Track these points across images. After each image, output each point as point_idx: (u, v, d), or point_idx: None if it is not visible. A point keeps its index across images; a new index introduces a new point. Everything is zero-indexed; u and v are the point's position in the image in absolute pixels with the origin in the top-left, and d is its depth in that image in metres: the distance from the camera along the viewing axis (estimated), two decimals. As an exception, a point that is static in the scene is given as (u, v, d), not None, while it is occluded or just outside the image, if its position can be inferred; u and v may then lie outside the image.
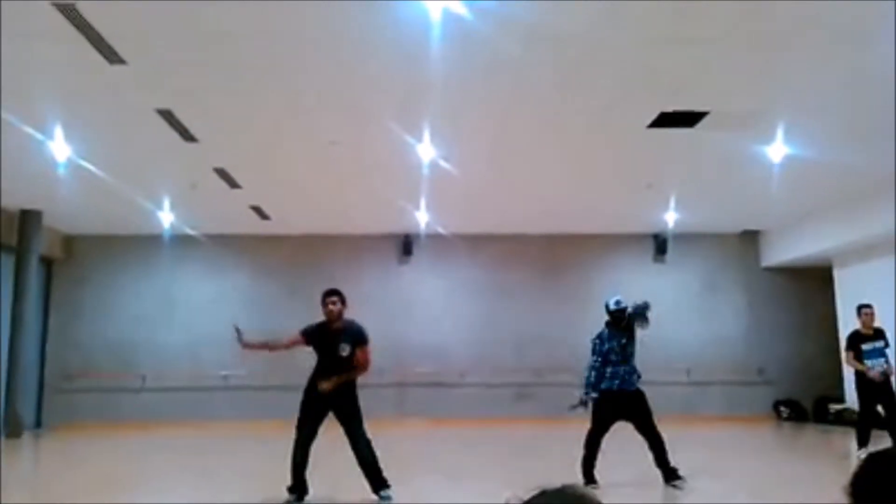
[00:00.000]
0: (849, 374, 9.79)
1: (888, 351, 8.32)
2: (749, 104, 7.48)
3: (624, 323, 6.55)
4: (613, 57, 6.39)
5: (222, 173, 9.77)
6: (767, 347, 13.91)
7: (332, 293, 5.73)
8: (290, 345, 5.98)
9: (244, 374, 13.13)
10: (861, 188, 10.64)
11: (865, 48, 6.22)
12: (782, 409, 13.65)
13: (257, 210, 11.95)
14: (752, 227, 13.99)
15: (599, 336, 6.70)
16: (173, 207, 11.69)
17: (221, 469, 8.15)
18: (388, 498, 5.52)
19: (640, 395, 6.54)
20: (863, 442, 8.15)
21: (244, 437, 11.37)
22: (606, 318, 6.70)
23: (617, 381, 6.48)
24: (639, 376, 6.60)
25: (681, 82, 6.95)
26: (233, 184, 10.25)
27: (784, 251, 13.53)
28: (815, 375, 13.57)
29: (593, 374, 6.58)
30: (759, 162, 9.25)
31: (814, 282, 13.84)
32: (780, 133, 8.26)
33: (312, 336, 5.80)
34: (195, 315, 13.60)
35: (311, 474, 5.70)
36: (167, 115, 7.59)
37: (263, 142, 8.63)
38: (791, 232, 13.20)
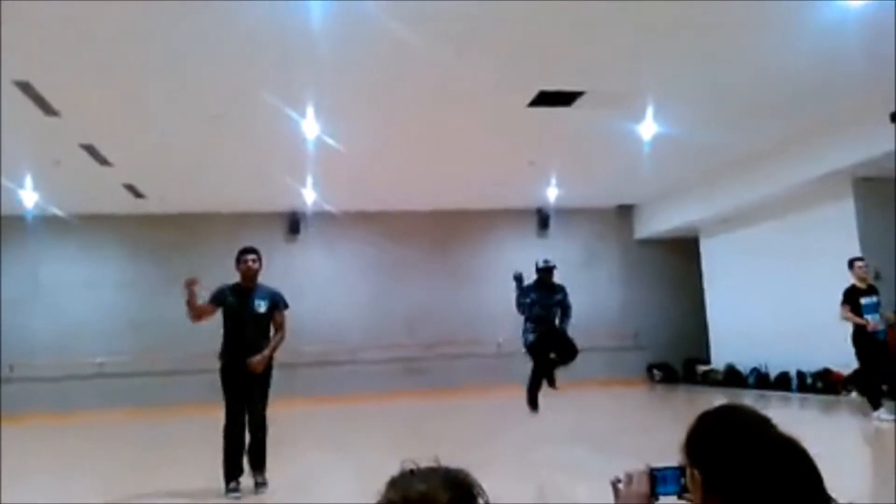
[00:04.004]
0: (835, 330, 8.99)
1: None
2: (621, 84, 7.85)
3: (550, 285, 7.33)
4: (494, 37, 6.52)
5: (90, 149, 9.20)
6: (641, 314, 14.76)
7: (249, 251, 5.46)
8: (201, 313, 5.31)
9: (124, 361, 12.56)
10: (722, 165, 11.45)
11: (729, 38, 6.70)
12: (655, 371, 14.57)
13: (131, 188, 11.35)
14: (627, 201, 14.75)
15: (527, 288, 7.29)
16: (37, 186, 10.90)
17: (92, 464, 7.78)
18: (264, 484, 5.28)
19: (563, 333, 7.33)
20: (876, 403, 7.69)
21: (120, 426, 10.91)
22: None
23: (541, 329, 7.19)
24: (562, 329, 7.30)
25: (558, 62, 7.19)
26: (102, 161, 9.67)
27: (655, 224, 14.37)
28: (684, 339, 14.55)
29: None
30: (631, 140, 9.74)
31: (682, 252, 14.78)
32: (649, 112, 8.74)
33: (223, 298, 5.36)
34: (67, 300, 12.83)
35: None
36: (25, 87, 7.06)
37: (135, 116, 8.20)
38: (661, 206, 14.03)
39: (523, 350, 7.43)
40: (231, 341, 5.39)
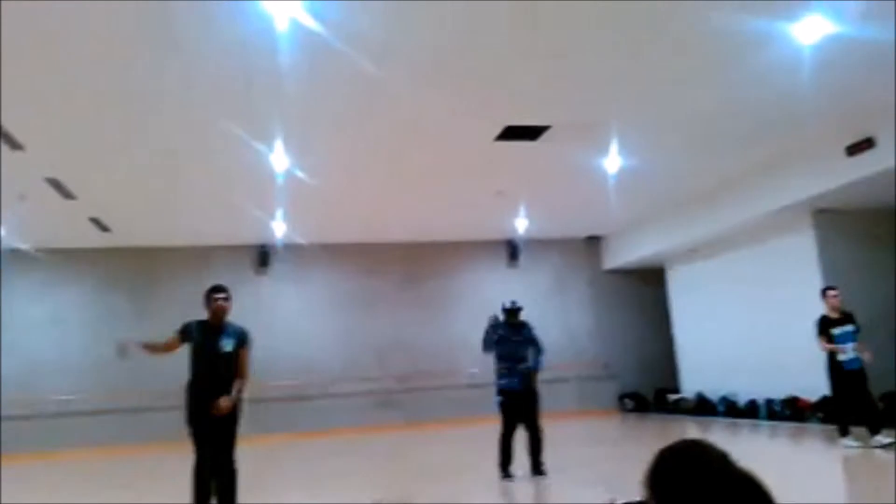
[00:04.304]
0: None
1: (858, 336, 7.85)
2: (586, 119, 8.00)
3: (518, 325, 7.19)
4: (461, 72, 6.63)
5: (55, 183, 9.09)
6: (611, 344, 14.87)
7: (220, 289, 5.45)
8: (167, 348, 5.40)
9: (89, 398, 12.26)
10: (686, 197, 11.68)
11: (691, 75, 6.90)
12: (627, 401, 14.63)
13: (96, 222, 11.21)
14: (595, 232, 14.94)
15: (493, 327, 7.21)
16: (0, 220, 10.70)
17: None
18: None
19: (533, 394, 7.05)
20: (844, 431, 7.69)
21: (88, 465, 10.61)
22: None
23: (515, 379, 6.99)
24: (529, 368, 7.08)
25: (524, 97, 7.33)
26: (67, 194, 9.56)
27: (623, 254, 14.55)
28: (655, 368, 14.68)
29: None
30: (597, 172, 9.90)
31: (650, 282, 14.98)
32: (614, 146, 8.91)
33: (190, 333, 5.35)
34: (30, 337, 12.52)
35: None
36: (-11, 122, 6.98)
37: (100, 149, 8.14)
38: (628, 236, 14.23)
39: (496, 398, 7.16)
40: (198, 381, 5.30)
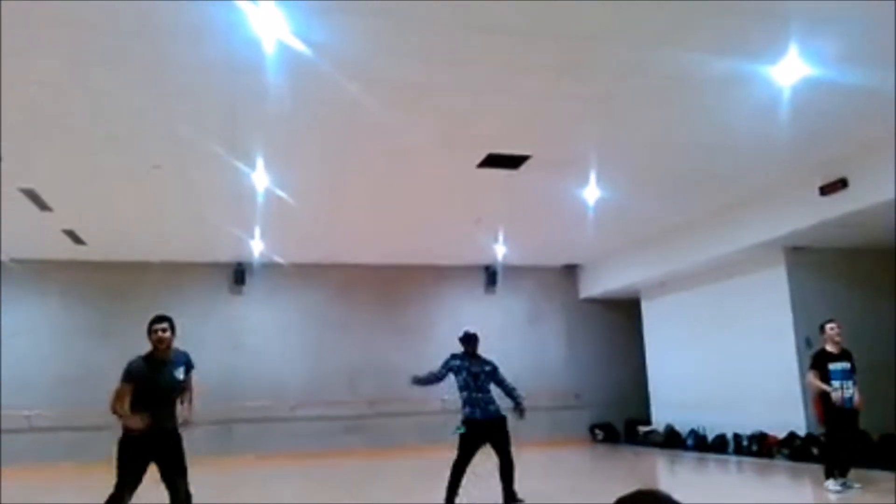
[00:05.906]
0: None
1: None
2: (566, 151, 8.10)
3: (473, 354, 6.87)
4: (444, 101, 6.69)
5: (30, 194, 8.96)
6: (584, 373, 14.89)
7: (160, 319, 5.12)
8: (121, 403, 4.91)
9: (52, 415, 11.96)
10: (661, 230, 11.83)
11: (668, 114, 7.02)
12: (597, 431, 14.63)
13: (71, 234, 11.04)
14: (572, 261, 15.02)
15: (453, 356, 6.93)
16: (-29, 229, 10.50)
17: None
18: None
19: (501, 421, 6.77)
20: (830, 473, 7.29)
21: (52, 482, 10.33)
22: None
23: (478, 410, 6.71)
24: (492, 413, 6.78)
25: (505, 127, 7.40)
26: (42, 206, 9.42)
27: (599, 284, 14.64)
28: (626, 399, 14.70)
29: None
30: (575, 203, 10.00)
31: (625, 312, 15.06)
32: (592, 178, 9.01)
33: (138, 373, 4.99)
34: (-4, 348, 12.23)
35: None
36: (-35, 130, 6.87)
37: (77, 162, 8.04)
38: (605, 266, 14.33)
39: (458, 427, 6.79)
40: (145, 413, 4.94)
